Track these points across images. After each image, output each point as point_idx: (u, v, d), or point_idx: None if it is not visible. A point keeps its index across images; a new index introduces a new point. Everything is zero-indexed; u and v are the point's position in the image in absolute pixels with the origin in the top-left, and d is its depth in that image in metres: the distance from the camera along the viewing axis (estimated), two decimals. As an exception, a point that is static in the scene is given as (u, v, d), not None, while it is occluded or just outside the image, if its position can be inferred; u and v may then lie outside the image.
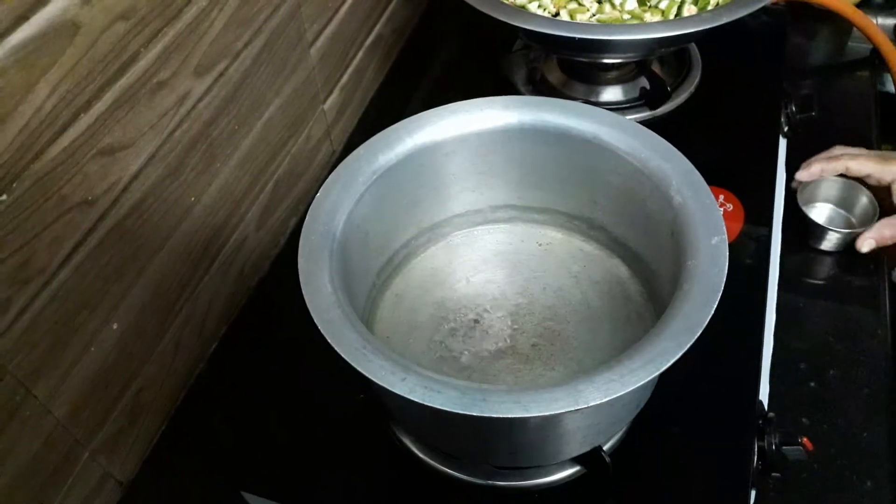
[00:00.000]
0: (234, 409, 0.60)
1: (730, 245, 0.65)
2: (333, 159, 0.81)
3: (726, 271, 0.42)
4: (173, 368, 0.61)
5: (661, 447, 0.54)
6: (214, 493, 0.55)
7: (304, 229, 0.46)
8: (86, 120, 0.45)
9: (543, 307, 0.56)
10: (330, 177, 0.49)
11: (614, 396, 0.37)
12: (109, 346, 0.52)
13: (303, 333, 0.42)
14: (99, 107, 0.46)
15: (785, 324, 0.68)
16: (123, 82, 0.48)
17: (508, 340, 0.54)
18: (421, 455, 0.54)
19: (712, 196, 0.46)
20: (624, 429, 0.54)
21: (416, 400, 0.38)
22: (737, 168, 0.72)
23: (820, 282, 0.75)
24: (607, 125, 0.51)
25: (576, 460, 0.50)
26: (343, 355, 0.40)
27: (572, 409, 0.37)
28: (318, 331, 0.41)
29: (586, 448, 0.48)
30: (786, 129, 0.79)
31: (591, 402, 0.37)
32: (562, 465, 0.52)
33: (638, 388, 0.38)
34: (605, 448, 0.51)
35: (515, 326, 0.55)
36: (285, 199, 0.73)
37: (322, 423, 0.58)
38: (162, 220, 0.55)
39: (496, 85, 0.82)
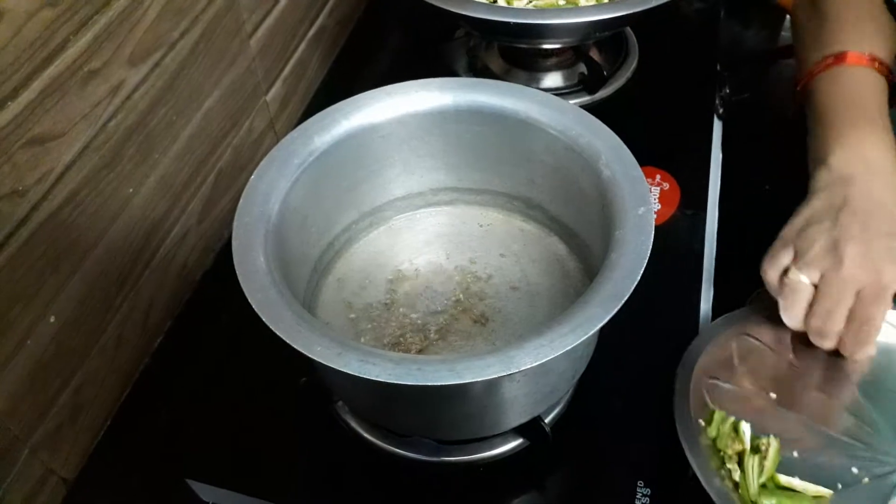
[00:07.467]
0: (180, 401, 0.59)
1: (667, 221, 0.67)
2: (278, 151, 0.81)
3: (652, 239, 0.43)
4: (116, 363, 0.60)
5: (602, 418, 0.56)
6: (160, 482, 0.55)
7: (238, 211, 0.46)
8: (13, 108, 0.45)
9: (485, 286, 0.57)
10: (265, 159, 0.49)
11: (544, 360, 0.38)
12: (47, 341, 0.51)
13: (247, 324, 0.41)
14: (27, 95, 0.46)
15: (724, 295, 0.70)
16: (52, 70, 0.47)
17: (451, 319, 0.55)
18: (366, 435, 0.54)
19: (639, 169, 0.47)
20: (566, 400, 0.55)
21: (352, 373, 0.38)
22: (673, 149, 0.74)
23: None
24: (538, 104, 0.52)
25: (518, 432, 0.51)
26: (278, 333, 0.40)
27: (504, 373, 0.37)
28: (261, 319, 0.41)
29: (526, 418, 0.49)
30: (721, 111, 0.82)
31: (521, 366, 0.37)
32: (505, 438, 0.53)
33: (571, 353, 0.39)
34: (547, 420, 0.52)
35: (458, 305, 0.56)
36: (229, 191, 0.72)
37: (266, 409, 0.58)
38: (98, 212, 0.54)
39: (440, 74, 0.83)
